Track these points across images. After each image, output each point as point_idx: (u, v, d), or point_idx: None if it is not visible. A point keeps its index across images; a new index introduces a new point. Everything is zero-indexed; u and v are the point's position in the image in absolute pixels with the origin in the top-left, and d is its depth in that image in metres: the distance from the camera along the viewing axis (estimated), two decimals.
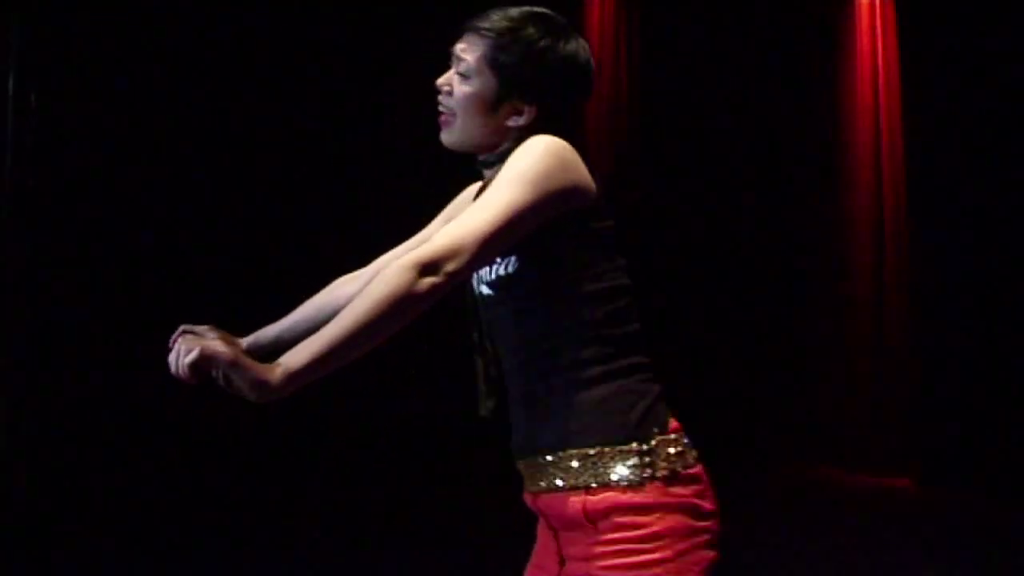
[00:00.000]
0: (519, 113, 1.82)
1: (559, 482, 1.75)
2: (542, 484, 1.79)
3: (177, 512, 5.54)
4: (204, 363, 1.51)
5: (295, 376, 1.53)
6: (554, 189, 1.70)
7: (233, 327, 1.87)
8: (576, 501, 1.73)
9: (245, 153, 6.10)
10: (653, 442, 1.73)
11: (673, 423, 1.79)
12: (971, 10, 6.72)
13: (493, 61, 1.81)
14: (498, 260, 1.77)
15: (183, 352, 1.52)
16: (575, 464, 1.73)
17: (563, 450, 1.75)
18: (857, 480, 7.09)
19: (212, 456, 5.69)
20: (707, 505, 1.76)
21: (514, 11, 1.84)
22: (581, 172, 1.75)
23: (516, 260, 1.76)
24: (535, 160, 1.70)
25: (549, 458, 1.77)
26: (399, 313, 1.58)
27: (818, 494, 6.85)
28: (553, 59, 1.81)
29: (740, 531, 5.63)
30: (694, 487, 1.75)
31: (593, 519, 1.72)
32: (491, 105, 1.82)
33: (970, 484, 6.52)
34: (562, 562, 1.81)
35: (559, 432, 1.75)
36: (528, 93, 1.81)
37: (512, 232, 1.67)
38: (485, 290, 1.84)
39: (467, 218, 1.66)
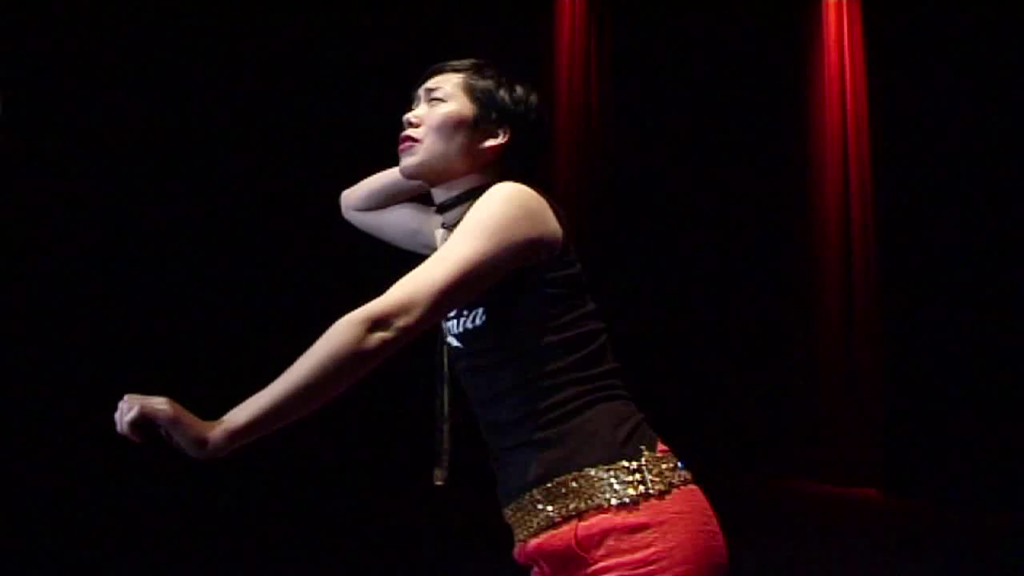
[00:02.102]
0: (494, 136, 1.83)
1: (551, 514, 1.67)
2: (532, 525, 1.71)
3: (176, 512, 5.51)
4: (144, 421, 1.49)
5: (235, 434, 1.51)
6: (516, 241, 1.66)
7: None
8: (568, 531, 1.65)
9: (227, 157, 6.06)
10: (643, 459, 1.67)
11: (661, 445, 1.74)
12: (938, 13, 6.79)
13: (469, 87, 1.85)
14: (465, 313, 1.73)
15: (125, 410, 1.51)
16: (564, 491, 1.65)
17: (550, 480, 1.67)
18: (823, 490, 7.12)
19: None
20: (711, 524, 1.69)
21: (481, 60, 1.91)
22: (546, 221, 1.72)
23: (483, 314, 1.72)
24: (497, 210, 1.66)
25: (537, 494, 1.69)
26: (347, 370, 1.52)
27: (784, 504, 6.87)
28: (519, 90, 1.87)
29: None
30: (693, 502, 1.69)
31: (586, 547, 1.64)
32: (469, 125, 1.83)
33: (935, 493, 6.56)
34: None
35: (545, 465, 1.68)
36: (503, 115, 1.84)
37: (470, 285, 1.62)
38: (454, 342, 1.80)
39: (423, 270, 1.61)
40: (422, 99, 1.87)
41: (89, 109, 5.62)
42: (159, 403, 1.50)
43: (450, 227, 1.80)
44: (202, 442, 1.50)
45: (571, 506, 1.64)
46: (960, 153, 6.74)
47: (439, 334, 1.85)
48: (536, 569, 1.77)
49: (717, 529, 1.71)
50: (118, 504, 5.44)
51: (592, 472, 1.64)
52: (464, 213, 1.73)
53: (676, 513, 1.64)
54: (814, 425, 7.50)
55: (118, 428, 1.52)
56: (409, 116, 1.86)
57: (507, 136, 1.83)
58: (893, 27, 7.07)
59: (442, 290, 1.58)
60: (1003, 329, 6.54)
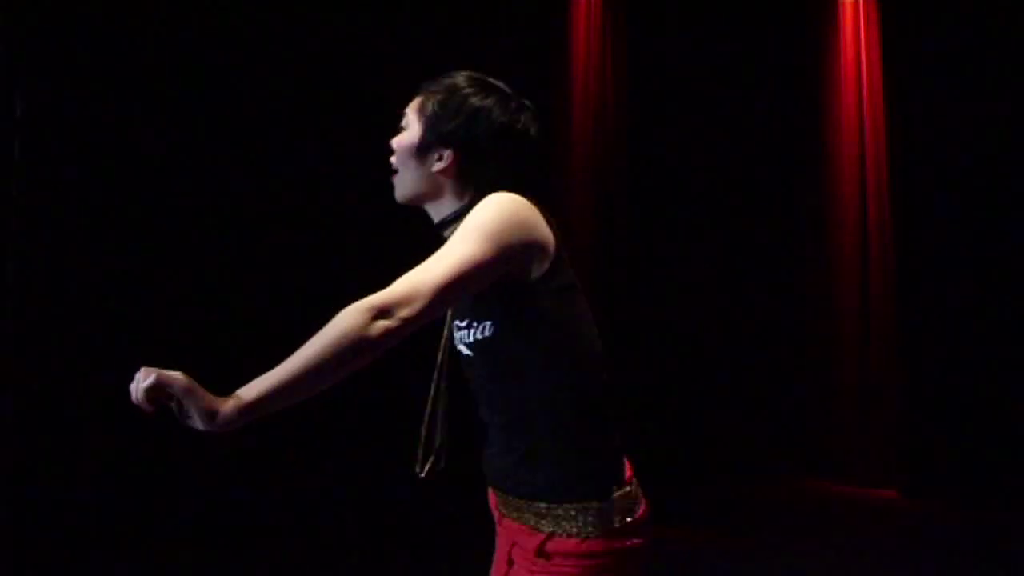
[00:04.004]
0: (440, 159, 1.91)
1: (529, 519, 1.89)
2: (512, 513, 1.93)
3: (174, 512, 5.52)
4: (160, 389, 1.56)
5: (246, 409, 1.58)
6: (510, 244, 1.76)
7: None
8: (535, 539, 1.87)
9: (242, 161, 6.05)
10: (612, 497, 1.85)
11: (627, 472, 1.92)
12: (954, 12, 6.76)
13: (421, 111, 1.94)
14: (475, 324, 1.86)
15: (141, 378, 1.57)
16: (543, 511, 1.86)
17: (532, 500, 1.87)
18: (843, 491, 7.09)
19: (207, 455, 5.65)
20: (645, 547, 1.89)
21: (460, 73, 1.97)
22: (538, 228, 1.81)
23: (492, 326, 1.84)
24: (491, 215, 1.77)
25: (523, 503, 1.90)
26: (352, 355, 1.62)
27: (803, 505, 6.85)
28: (469, 108, 1.91)
29: (728, 543, 5.69)
30: (636, 535, 1.87)
31: (548, 556, 1.86)
32: (419, 152, 1.93)
33: (955, 495, 6.54)
34: (510, 562, 1.94)
35: (530, 485, 1.88)
36: (443, 138, 1.91)
37: (468, 284, 1.74)
38: (464, 350, 1.92)
39: (425, 267, 1.72)
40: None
41: (105, 113, 5.64)
42: (175, 374, 1.57)
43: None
44: (213, 414, 1.57)
45: (543, 525, 1.86)
46: (977, 151, 6.71)
47: (444, 334, 1.99)
48: (500, 527, 1.99)
49: (647, 542, 1.91)
50: (117, 504, 5.44)
51: (570, 508, 1.84)
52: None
53: (622, 545, 1.85)
54: (833, 426, 7.47)
55: (133, 397, 1.57)
56: (391, 142, 1.99)
57: (452, 159, 1.91)
58: (909, 26, 7.04)
59: (442, 286, 1.69)
60: None
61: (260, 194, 6.05)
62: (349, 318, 1.62)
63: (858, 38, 7.43)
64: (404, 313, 1.64)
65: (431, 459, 1.99)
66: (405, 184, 1.95)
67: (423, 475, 1.98)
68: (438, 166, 1.91)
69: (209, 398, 1.57)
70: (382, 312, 1.63)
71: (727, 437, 7.50)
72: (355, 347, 1.61)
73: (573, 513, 1.83)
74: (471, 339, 1.87)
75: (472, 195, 1.88)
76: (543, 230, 1.82)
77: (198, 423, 1.57)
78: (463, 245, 1.73)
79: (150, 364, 1.60)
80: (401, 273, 1.73)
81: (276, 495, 5.80)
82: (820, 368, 7.61)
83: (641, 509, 1.89)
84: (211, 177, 5.91)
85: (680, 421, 7.44)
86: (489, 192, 1.83)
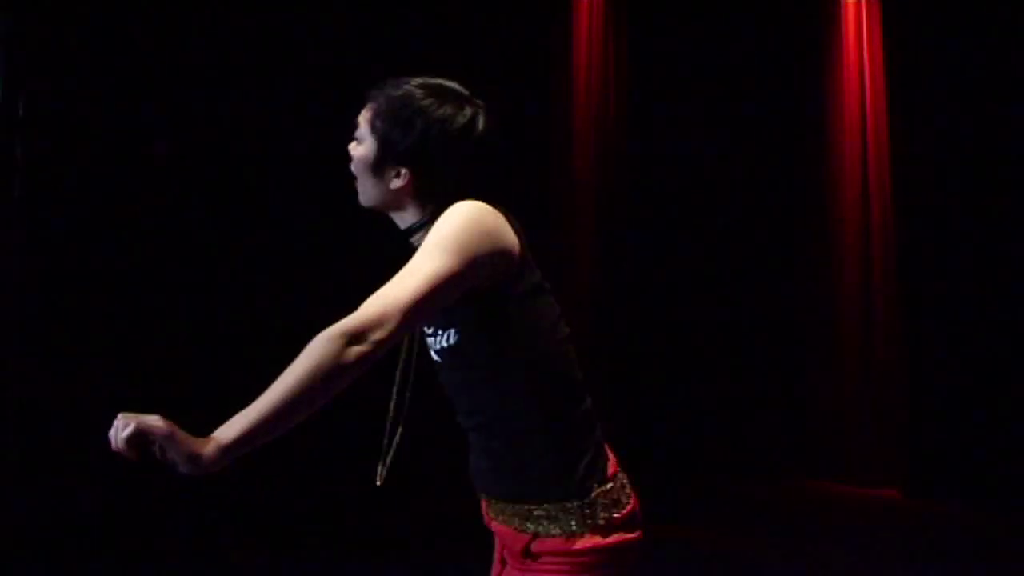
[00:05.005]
0: (397, 176, 1.89)
1: (514, 521, 1.91)
2: (499, 517, 1.95)
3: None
4: (140, 437, 1.55)
5: (227, 450, 1.57)
6: (476, 255, 1.75)
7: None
8: (522, 539, 1.89)
9: (242, 160, 6.05)
10: (593, 494, 1.86)
11: (611, 467, 1.92)
12: (956, 12, 6.75)
13: (373, 126, 1.89)
14: (440, 332, 1.86)
15: (120, 427, 1.55)
16: (527, 512, 1.88)
17: (514, 502, 1.90)
18: (844, 491, 7.09)
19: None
20: (635, 542, 1.90)
21: (408, 80, 1.91)
22: (504, 234, 1.80)
23: (456, 333, 1.84)
24: (456, 228, 1.75)
25: (507, 505, 1.92)
26: (328, 383, 1.61)
27: (805, 505, 6.85)
28: (423, 124, 1.86)
29: (729, 541, 5.68)
30: (623, 531, 1.88)
31: (535, 556, 1.88)
32: (374, 168, 1.90)
33: (957, 495, 6.53)
34: (504, 562, 1.97)
35: (510, 487, 1.91)
36: (398, 158, 1.87)
37: (437, 299, 1.72)
38: (435, 357, 1.93)
39: (393, 286, 1.70)
40: None
41: (107, 113, 5.63)
42: (154, 420, 1.56)
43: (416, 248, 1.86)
44: (196, 458, 1.55)
45: (527, 526, 1.88)
46: (980, 150, 6.69)
47: (407, 342, 1.97)
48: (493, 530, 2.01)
49: (638, 536, 1.92)
50: (115, 504, 5.44)
51: (551, 509, 1.85)
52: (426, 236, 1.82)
53: (610, 542, 1.85)
54: (835, 426, 7.46)
55: (113, 445, 1.56)
56: (349, 148, 1.95)
57: (408, 178, 1.88)
58: (912, 26, 7.03)
59: (412, 306, 1.67)
60: None
61: (260, 194, 6.06)
62: (321, 347, 1.60)
63: (860, 38, 7.43)
64: (377, 336, 1.63)
65: (387, 467, 1.98)
66: (366, 195, 1.94)
67: (379, 484, 1.98)
68: (395, 184, 1.89)
69: (189, 441, 1.55)
70: (355, 337, 1.61)
71: (727, 437, 7.50)
72: (331, 375, 1.60)
73: (555, 513, 1.84)
74: (438, 346, 1.88)
75: (434, 207, 1.86)
76: (508, 236, 1.81)
77: (181, 468, 1.56)
78: (431, 260, 1.71)
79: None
80: (376, 283, 1.72)
81: (275, 495, 5.81)
82: (821, 368, 7.61)
83: (629, 505, 1.90)
84: (213, 178, 5.91)
85: (680, 420, 7.45)
86: (452, 200, 1.82)
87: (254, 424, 1.58)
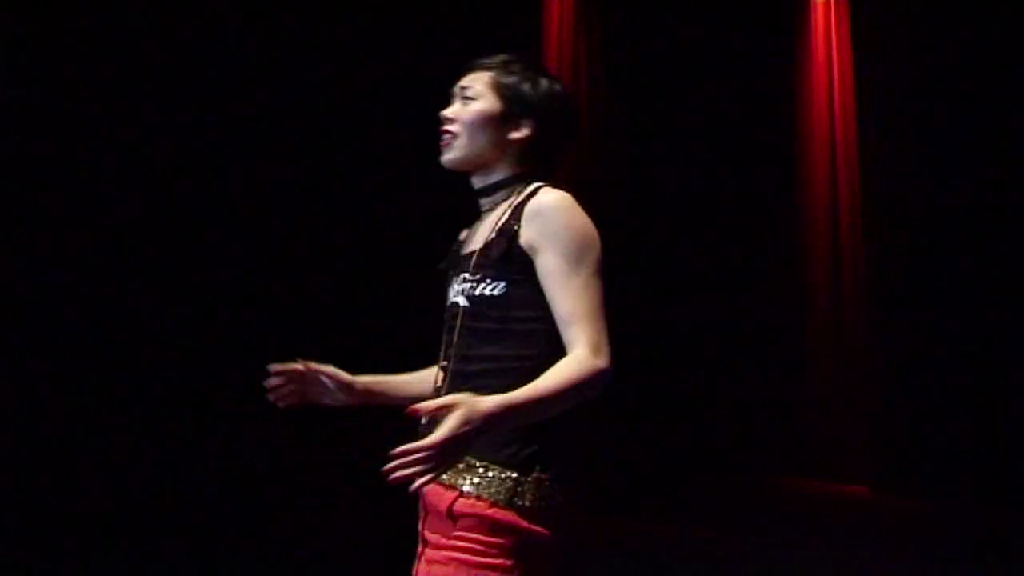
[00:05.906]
0: (520, 129, 2.07)
1: (444, 475, 1.87)
2: None
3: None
4: (452, 456, 1.71)
5: (510, 410, 1.76)
6: (595, 245, 1.98)
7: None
8: (449, 497, 1.90)
9: (235, 160, 6.00)
10: (531, 477, 1.89)
11: (565, 476, 1.95)
12: (925, 9, 6.80)
13: (496, 84, 2.10)
14: (487, 280, 1.98)
15: (420, 472, 1.67)
16: (462, 467, 1.88)
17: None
18: (813, 487, 7.11)
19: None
20: (553, 543, 1.91)
21: (503, 54, 2.15)
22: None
23: (505, 286, 1.97)
24: (578, 234, 1.95)
25: None
26: (579, 396, 1.84)
27: (775, 501, 6.87)
28: (548, 84, 2.11)
29: (699, 539, 5.68)
30: (542, 524, 1.90)
31: (455, 518, 1.89)
32: (497, 120, 2.07)
33: (925, 491, 6.56)
34: (424, 543, 1.99)
35: None
36: (527, 108, 2.07)
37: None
38: (461, 300, 2.02)
39: (585, 307, 1.90)
40: (457, 96, 2.12)
41: (91, 104, 5.57)
42: (455, 421, 1.70)
43: (489, 210, 2.07)
44: (484, 416, 1.72)
45: (459, 481, 1.90)
46: (948, 147, 6.73)
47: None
48: (420, 509, 2.02)
49: (561, 550, 1.94)
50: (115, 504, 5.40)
51: (491, 467, 1.89)
52: (502, 199, 2.04)
53: (533, 528, 1.88)
54: (805, 423, 7.49)
55: (416, 484, 1.68)
56: (445, 112, 2.11)
57: (532, 128, 2.07)
58: (881, 23, 7.07)
59: (603, 321, 1.91)
60: (994, 326, 6.55)
61: (254, 192, 6.01)
62: (579, 363, 1.83)
63: (829, 34, 7.46)
64: (603, 363, 1.86)
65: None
66: (470, 147, 2.08)
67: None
68: (517, 135, 2.07)
69: (472, 402, 1.71)
70: (597, 355, 1.85)
71: (702, 435, 7.50)
72: (588, 387, 1.83)
73: (491, 475, 1.88)
74: (477, 293, 1.98)
75: (527, 170, 2.06)
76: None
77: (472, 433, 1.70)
78: (591, 280, 1.92)
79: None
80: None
81: (275, 496, 5.77)
82: (791, 365, 7.63)
83: (558, 506, 1.92)
84: (204, 174, 5.86)
85: (656, 421, 7.43)
86: (538, 170, 2.05)
87: (529, 399, 1.78)
